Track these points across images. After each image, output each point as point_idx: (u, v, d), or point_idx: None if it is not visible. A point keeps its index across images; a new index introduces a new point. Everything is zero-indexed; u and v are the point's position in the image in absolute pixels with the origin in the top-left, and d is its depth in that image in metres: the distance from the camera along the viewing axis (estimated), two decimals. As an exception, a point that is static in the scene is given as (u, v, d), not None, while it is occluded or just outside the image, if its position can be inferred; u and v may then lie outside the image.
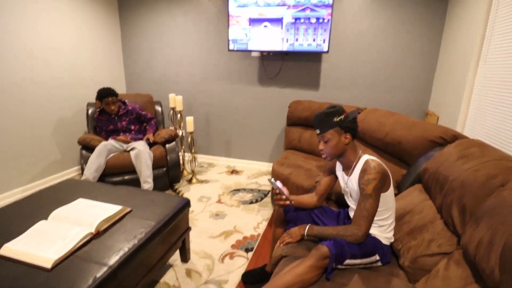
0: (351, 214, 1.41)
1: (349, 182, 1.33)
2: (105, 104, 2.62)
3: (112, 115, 2.71)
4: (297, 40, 2.74)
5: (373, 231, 1.30)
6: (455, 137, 1.62)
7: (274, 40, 2.83)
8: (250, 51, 2.96)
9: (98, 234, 1.32)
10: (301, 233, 1.35)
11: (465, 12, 2.23)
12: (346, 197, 1.42)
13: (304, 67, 3.07)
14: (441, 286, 1.00)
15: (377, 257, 1.26)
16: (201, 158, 3.74)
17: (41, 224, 1.32)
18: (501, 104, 1.73)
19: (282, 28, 2.77)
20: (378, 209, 1.23)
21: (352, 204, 1.38)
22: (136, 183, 2.52)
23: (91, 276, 1.08)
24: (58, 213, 1.41)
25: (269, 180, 1.41)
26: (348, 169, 1.33)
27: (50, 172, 2.96)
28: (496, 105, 1.78)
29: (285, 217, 1.51)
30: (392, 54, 2.82)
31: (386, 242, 1.31)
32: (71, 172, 3.18)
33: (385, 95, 2.94)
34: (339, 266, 1.17)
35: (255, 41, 2.89)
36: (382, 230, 1.30)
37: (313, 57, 3.01)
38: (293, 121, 2.79)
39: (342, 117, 1.24)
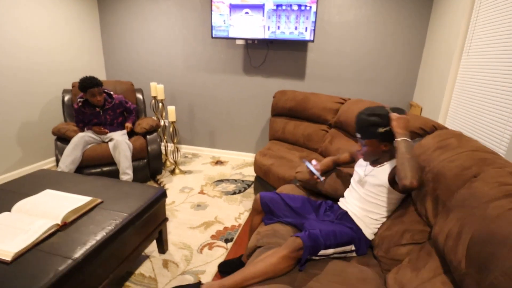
0: (349, 200, 1.41)
1: (373, 172, 1.32)
2: (91, 95, 2.38)
3: (97, 108, 2.50)
4: (278, 28, 2.66)
5: (361, 222, 1.32)
6: (435, 127, 1.61)
7: (256, 27, 2.74)
8: (231, 38, 2.88)
9: (64, 226, 1.27)
10: (407, 125, 1.19)
11: (451, 3, 2.20)
12: (356, 184, 1.40)
13: (290, 56, 3.01)
14: (411, 277, 0.99)
15: (352, 247, 1.25)
16: (186, 148, 3.67)
17: (3, 216, 1.26)
18: (481, 96, 1.73)
19: (263, 15, 2.69)
20: (383, 206, 1.28)
21: (359, 191, 1.36)
22: (115, 174, 2.44)
23: (53, 269, 1.03)
24: (22, 205, 1.34)
25: (303, 161, 1.60)
26: (376, 164, 1.33)
27: (24, 164, 2.84)
28: (477, 97, 1.77)
29: (262, 206, 1.49)
30: (378, 45, 2.79)
31: (368, 236, 1.32)
32: (47, 163, 3.07)
33: (371, 86, 2.92)
34: (313, 257, 1.16)
35: (236, 29, 2.81)
36: (371, 223, 1.31)
37: (298, 46, 2.95)
38: (278, 112, 2.75)
39: (388, 128, 1.20)
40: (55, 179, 1.73)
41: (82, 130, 2.56)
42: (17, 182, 1.66)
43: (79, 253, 1.12)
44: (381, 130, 1.21)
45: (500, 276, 0.67)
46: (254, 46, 3.05)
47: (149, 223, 1.59)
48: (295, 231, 1.40)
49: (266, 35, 2.74)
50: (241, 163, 3.33)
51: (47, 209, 1.31)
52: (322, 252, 1.15)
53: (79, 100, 2.48)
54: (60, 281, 1.01)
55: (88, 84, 2.34)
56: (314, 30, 2.62)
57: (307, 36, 2.64)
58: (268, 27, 2.70)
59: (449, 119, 2.10)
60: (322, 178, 1.52)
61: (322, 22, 2.82)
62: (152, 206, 1.56)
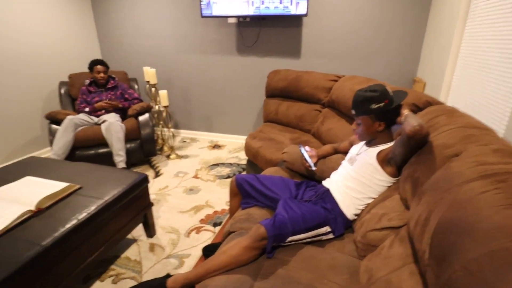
0: (334, 177, 1.38)
1: (366, 152, 1.26)
2: (96, 72, 2.65)
3: (100, 87, 2.73)
4: (263, 2, 2.49)
5: (341, 199, 1.26)
6: (429, 103, 1.47)
7: (239, 3, 2.59)
8: (216, 16, 2.74)
9: (39, 212, 1.27)
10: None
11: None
12: (346, 163, 1.37)
13: (284, 34, 2.85)
14: (381, 265, 0.92)
15: (327, 228, 1.19)
16: (184, 133, 3.65)
17: (-21, 203, 1.28)
18: (486, 66, 1.56)
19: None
20: (368, 186, 1.22)
21: (347, 168, 1.32)
22: (110, 156, 2.47)
23: (19, 255, 1.04)
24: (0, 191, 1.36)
25: (299, 146, 1.57)
26: (372, 145, 1.28)
27: (23, 153, 2.90)
28: (482, 67, 1.60)
29: (238, 189, 1.44)
30: (379, 18, 2.57)
31: (349, 216, 1.26)
32: (45, 152, 3.12)
33: (371, 62, 2.73)
34: (282, 244, 1.11)
35: (219, 6, 2.67)
36: (353, 202, 1.25)
37: (292, 22, 2.77)
38: (271, 93, 2.64)
39: (382, 104, 1.16)
40: (40, 165, 1.75)
41: (78, 113, 2.64)
42: (3, 170, 1.69)
43: (48, 239, 1.13)
44: (374, 106, 1.17)
45: (459, 271, 0.58)
46: (247, 24, 2.90)
47: (131, 208, 1.58)
48: (271, 215, 1.34)
49: (251, 11, 2.58)
50: (238, 146, 3.28)
51: (22, 196, 1.32)
52: (291, 238, 1.09)
53: (86, 81, 2.74)
54: (26, 267, 1.02)
55: (96, 61, 2.66)
56: (307, 2, 2.43)
57: (293, 10, 2.46)
58: (252, 2, 2.53)
59: (452, 93, 1.93)
60: (315, 168, 1.47)
61: (318, -7, 2.63)
62: (131, 192, 1.55)
